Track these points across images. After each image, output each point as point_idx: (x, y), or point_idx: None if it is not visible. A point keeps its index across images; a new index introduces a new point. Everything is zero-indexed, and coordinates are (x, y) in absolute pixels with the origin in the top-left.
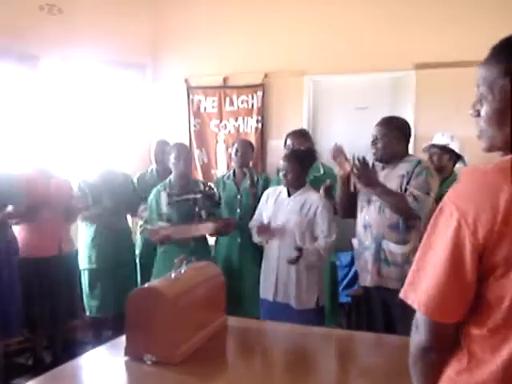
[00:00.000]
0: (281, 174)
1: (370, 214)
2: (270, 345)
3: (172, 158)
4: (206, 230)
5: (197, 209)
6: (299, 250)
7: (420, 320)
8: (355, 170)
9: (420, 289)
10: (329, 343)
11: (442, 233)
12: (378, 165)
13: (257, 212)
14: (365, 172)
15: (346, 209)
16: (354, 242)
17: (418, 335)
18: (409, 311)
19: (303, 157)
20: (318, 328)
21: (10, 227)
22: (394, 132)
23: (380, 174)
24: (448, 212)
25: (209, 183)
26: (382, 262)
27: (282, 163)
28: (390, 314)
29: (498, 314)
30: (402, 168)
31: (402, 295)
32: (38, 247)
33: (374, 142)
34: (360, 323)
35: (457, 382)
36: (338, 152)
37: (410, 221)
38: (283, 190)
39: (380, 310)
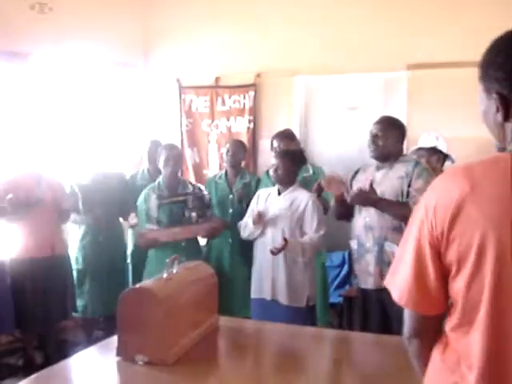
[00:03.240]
0: (271, 170)
1: (370, 216)
2: (262, 345)
3: (162, 159)
4: (195, 232)
5: (186, 211)
6: (285, 240)
7: (405, 310)
8: (349, 197)
9: (396, 278)
10: (322, 343)
11: (413, 226)
12: (370, 165)
13: (248, 212)
14: (362, 197)
15: (341, 214)
16: (353, 243)
17: (405, 324)
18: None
19: (295, 156)
20: (309, 328)
21: None
22: (394, 130)
23: (376, 174)
24: (419, 208)
25: (198, 184)
26: (384, 264)
27: (273, 160)
28: (386, 316)
29: (457, 311)
30: (400, 169)
31: (385, 283)
32: (31, 248)
33: (374, 140)
34: (353, 323)
35: (436, 369)
36: (328, 182)
37: None
38: (274, 189)
39: (377, 312)
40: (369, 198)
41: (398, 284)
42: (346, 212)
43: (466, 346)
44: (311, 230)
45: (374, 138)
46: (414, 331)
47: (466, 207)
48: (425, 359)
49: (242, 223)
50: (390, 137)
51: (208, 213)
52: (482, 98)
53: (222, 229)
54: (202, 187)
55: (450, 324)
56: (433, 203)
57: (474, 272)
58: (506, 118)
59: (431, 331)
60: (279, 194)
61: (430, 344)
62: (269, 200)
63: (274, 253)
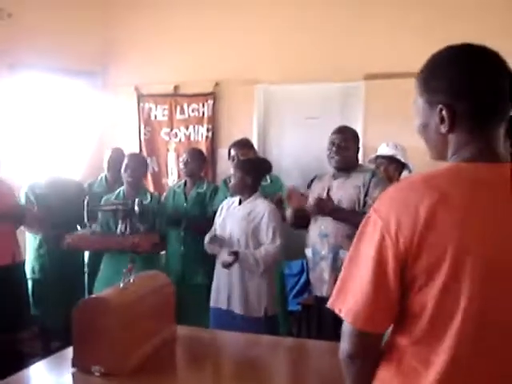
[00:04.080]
0: (231, 180)
1: (326, 224)
2: (221, 354)
3: (123, 167)
4: (117, 245)
5: (115, 222)
6: (235, 253)
7: (346, 329)
8: (310, 207)
9: (347, 298)
10: (280, 352)
11: (368, 242)
12: (326, 173)
13: (214, 225)
14: (320, 206)
15: (300, 224)
16: (308, 251)
17: (345, 343)
18: None
19: (254, 165)
20: (267, 336)
21: None
22: (355, 141)
23: (333, 183)
24: (373, 221)
25: (139, 199)
26: (339, 271)
27: (232, 170)
28: (341, 323)
29: (421, 324)
30: (358, 178)
31: (329, 304)
32: None
33: (336, 150)
34: (310, 332)
35: None
36: (288, 196)
37: None
38: (236, 199)
39: (332, 319)
40: (326, 206)
41: (352, 304)
42: (304, 222)
43: (430, 358)
44: (267, 241)
45: (338, 148)
46: (359, 351)
47: (437, 217)
48: (368, 380)
49: (207, 240)
50: (351, 147)
51: (139, 226)
52: (421, 111)
53: (148, 246)
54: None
55: (408, 338)
56: (392, 215)
57: (449, 282)
58: (450, 130)
59: (376, 350)
60: (240, 203)
61: (374, 364)
62: (230, 209)
63: (225, 266)
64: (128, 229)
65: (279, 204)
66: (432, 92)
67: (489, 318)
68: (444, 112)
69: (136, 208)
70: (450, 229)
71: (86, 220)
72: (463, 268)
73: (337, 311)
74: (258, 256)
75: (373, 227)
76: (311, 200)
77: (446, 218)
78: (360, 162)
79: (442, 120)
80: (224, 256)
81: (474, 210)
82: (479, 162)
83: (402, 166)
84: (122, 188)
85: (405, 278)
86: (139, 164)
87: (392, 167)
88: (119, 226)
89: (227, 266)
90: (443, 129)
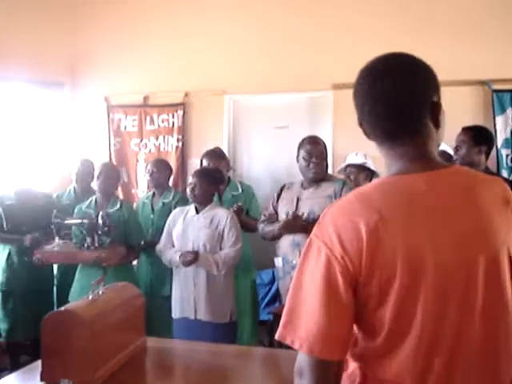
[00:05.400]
0: (188, 188)
1: (298, 234)
2: (191, 365)
3: (96, 175)
4: (83, 258)
5: (81, 235)
6: (195, 253)
7: (303, 362)
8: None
9: (299, 328)
10: (251, 361)
11: (313, 268)
12: (295, 183)
13: (165, 233)
14: (293, 224)
15: (276, 237)
16: (277, 261)
17: (303, 379)
18: None
19: (212, 175)
20: (238, 346)
21: None
22: (325, 150)
23: (303, 192)
24: (316, 247)
25: (105, 212)
26: None
27: (190, 179)
28: None
29: (382, 337)
30: (328, 188)
31: (278, 336)
32: None
33: (316, 161)
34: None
35: None
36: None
37: None
38: (191, 208)
39: None
40: (297, 226)
41: (305, 332)
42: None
43: (394, 369)
44: (228, 245)
45: (317, 159)
46: (320, 382)
47: (381, 236)
48: None
49: (162, 250)
50: (325, 157)
51: (105, 240)
52: None
53: (114, 259)
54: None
55: (372, 353)
56: (335, 238)
57: (403, 298)
58: (378, 145)
59: (336, 379)
60: (197, 212)
61: None
62: (187, 220)
63: (185, 263)
64: (95, 242)
65: (240, 212)
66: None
67: (444, 331)
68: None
69: (100, 221)
70: (394, 248)
71: (54, 233)
72: (415, 283)
73: (289, 342)
74: (217, 258)
75: (317, 253)
76: (281, 220)
77: (390, 236)
78: (329, 170)
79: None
80: (183, 256)
81: (413, 225)
82: (408, 173)
83: (371, 174)
84: (94, 197)
85: (358, 299)
86: (113, 172)
87: (362, 176)
88: (86, 239)
89: (187, 264)
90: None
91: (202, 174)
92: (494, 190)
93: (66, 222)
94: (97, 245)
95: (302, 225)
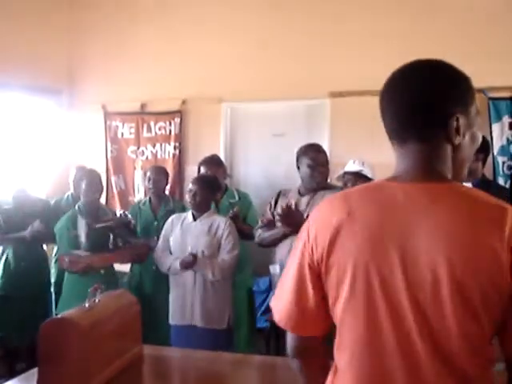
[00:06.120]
0: (188, 196)
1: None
2: (188, 372)
3: (82, 184)
4: (121, 258)
5: (113, 237)
6: (194, 256)
7: (287, 336)
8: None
9: (278, 303)
10: (249, 369)
11: (293, 257)
12: (291, 190)
13: (161, 240)
14: (291, 218)
15: (275, 242)
16: (274, 268)
17: (289, 350)
18: (332, 335)
19: (212, 182)
20: (235, 354)
21: None
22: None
23: (302, 200)
24: (300, 235)
25: (123, 211)
26: None
27: (190, 186)
28: None
29: (338, 334)
30: (324, 195)
31: (270, 304)
32: None
33: (322, 170)
34: (279, 349)
35: None
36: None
37: None
38: (188, 215)
39: None
40: (295, 217)
41: (279, 307)
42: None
43: (339, 365)
44: (225, 251)
45: (321, 167)
46: (293, 351)
47: (341, 234)
48: (309, 379)
49: (159, 257)
50: (327, 165)
51: (132, 239)
52: None
53: (146, 254)
54: (128, 213)
55: (335, 347)
56: (313, 229)
57: (349, 298)
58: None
59: (310, 351)
60: (195, 219)
61: (312, 364)
62: (184, 226)
63: (183, 266)
64: (122, 242)
65: (236, 218)
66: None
67: (384, 334)
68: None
69: (132, 221)
70: (349, 245)
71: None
72: (358, 284)
73: (274, 315)
74: (213, 264)
75: (299, 241)
76: (279, 210)
77: (347, 234)
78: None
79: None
80: (182, 259)
81: (375, 229)
82: (396, 181)
83: (369, 181)
84: (78, 204)
85: (323, 291)
86: (99, 182)
87: (359, 183)
88: (118, 240)
89: (185, 266)
90: None
91: (203, 181)
92: (484, 215)
93: (99, 225)
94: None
95: (301, 220)
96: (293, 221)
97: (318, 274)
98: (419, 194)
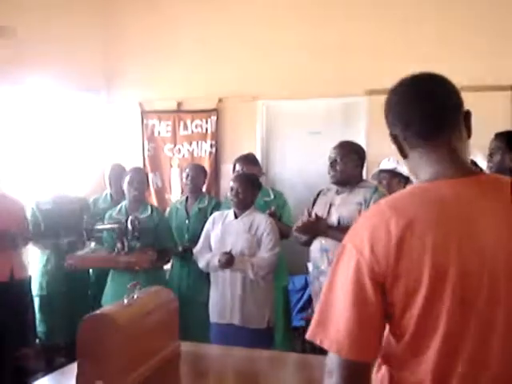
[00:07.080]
0: (231, 194)
1: (327, 239)
2: (225, 370)
3: (125, 182)
4: (114, 263)
5: (115, 240)
6: (230, 254)
7: (333, 361)
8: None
9: (329, 328)
10: (285, 367)
11: (345, 271)
12: (331, 188)
13: (203, 237)
14: (311, 227)
15: (308, 242)
16: (309, 266)
17: (332, 380)
18: None
19: (252, 180)
20: (272, 352)
21: None
22: (352, 155)
23: (336, 198)
24: (348, 250)
25: (133, 217)
26: None
27: (232, 184)
28: None
29: (406, 341)
30: (359, 194)
31: (308, 335)
32: None
33: (333, 165)
34: (315, 347)
35: None
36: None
37: None
38: (229, 213)
39: None
40: (318, 229)
41: (335, 333)
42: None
43: (418, 371)
44: (266, 249)
45: (333, 163)
46: (345, 380)
47: (407, 242)
48: None
49: (199, 254)
50: (348, 161)
51: (134, 244)
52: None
53: (145, 263)
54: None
55: (398, 355)
56: (365, 242)
57: (428, 304)
58: (404, 157)
59: (363, 380)
60: (236, 217)
61: None
62: (225, 224)
63: (221, 265)
64: (125, 247)
65: (273, 218)
66: (388, 125)
67: (465, 342)
68: (394, 142)
69: (129, 226)
70: (421, 253)
71: (85, 238)
72: (441, 289)
73: (318, 342)
74: (253, 261)
75: (348, 256)
76: (300, 222)
77: (416, 242)
78: (364, 176)
79: (398, 149)
80: (219, 258)
81: (440, 231)
82: (440, 180)
83: (405, 179)
84: (123, 203)
85: (386, 302)
86: (144, 178)
87: (395, 181)
88: (117, 244)
89: (223, 266)
90: (402, 157)
91: (245, 178)
92: None
93: (97, 227)
94: (127, 250)
95: (321, 229)
96: (312, 231)
97: (381, 286)
98: (466, 188)
